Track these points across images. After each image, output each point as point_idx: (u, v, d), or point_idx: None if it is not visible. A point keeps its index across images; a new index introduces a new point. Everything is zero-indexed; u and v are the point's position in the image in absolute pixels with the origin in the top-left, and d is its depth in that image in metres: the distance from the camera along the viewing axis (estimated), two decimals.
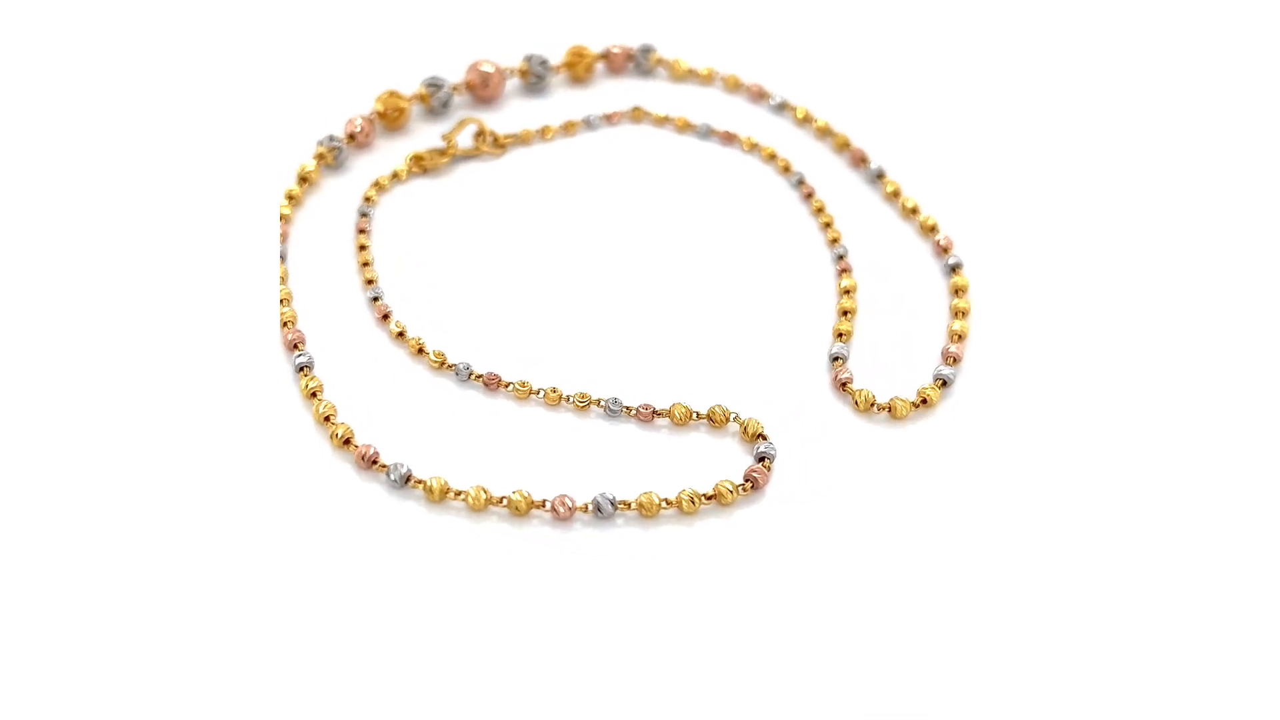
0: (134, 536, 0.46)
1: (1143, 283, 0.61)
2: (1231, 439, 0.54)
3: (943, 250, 0.63)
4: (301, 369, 0.55)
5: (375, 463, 0.52)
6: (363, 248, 0.61)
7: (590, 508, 0.51)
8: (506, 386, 0.55)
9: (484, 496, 0.51)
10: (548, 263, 0.62)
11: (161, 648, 0.45)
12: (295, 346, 0.56)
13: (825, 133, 0.69)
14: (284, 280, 0.59)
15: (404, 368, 0.57)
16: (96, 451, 0.48)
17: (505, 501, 0.51)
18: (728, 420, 0.54)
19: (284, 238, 0.60)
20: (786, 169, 0.67)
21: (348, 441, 0.53)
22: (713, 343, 0.59)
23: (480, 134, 0.67)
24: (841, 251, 0.63)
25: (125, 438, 0.48)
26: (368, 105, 0.67)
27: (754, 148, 0.68)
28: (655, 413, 0.55)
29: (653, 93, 0.72)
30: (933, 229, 0.64)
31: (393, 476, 0.51)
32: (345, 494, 0.51)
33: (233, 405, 0.50)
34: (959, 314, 0.60)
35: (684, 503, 0.51)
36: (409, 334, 0.58)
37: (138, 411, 0.49)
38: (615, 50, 0.72)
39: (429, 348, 0.57)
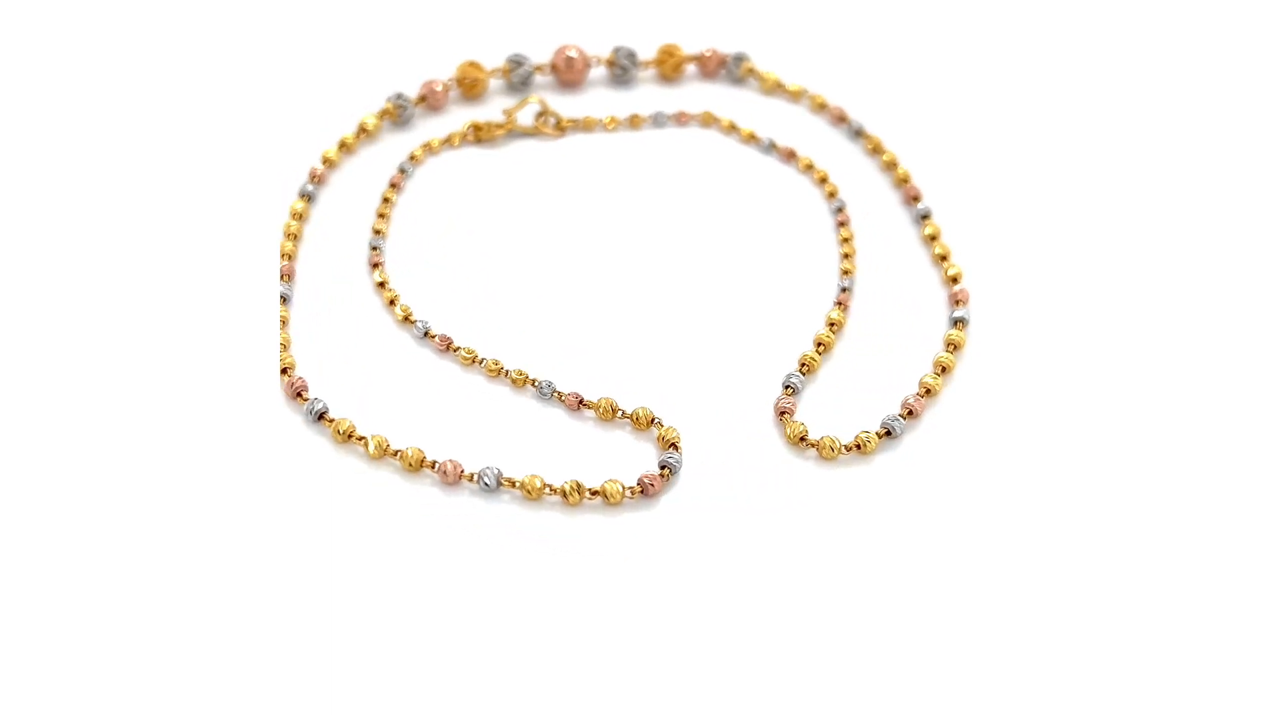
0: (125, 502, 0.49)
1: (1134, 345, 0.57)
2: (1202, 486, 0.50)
3: (955, 302, 0.60)
4: (283, 299, 0.58)
5: (300, 395, 0.54)
6: (386, 200, 0.64)
7: (476, 478, 0.52)
8: (455, 350, 0.57)
9: (384, 447, 0.53)
10: (559, 251, 0.62)
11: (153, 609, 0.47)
12: (286, 277, 0.59)
13: (890, 166, 0.67)
14: (298, 217, 0.62)
15: (372, 316, 0.59)
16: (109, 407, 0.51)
17: (398, 455, 0.52)
18: (650, 424, 0.54)
19: (318, 179, 0.64)
20: (832, 194, 0.66)
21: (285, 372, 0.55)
22: (696, 349, 0.59)
23: (542, 113, 0.69)
24: (846, 284, 0.61)
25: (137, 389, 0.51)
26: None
27: (809, 168, 0.67)
28: (582, 402, 0.55)
29: (739, 101, 0.72)
30: (954, 279, 0.61)
31: (309, 410, 0.54)
32: (282, 434, 0.54)
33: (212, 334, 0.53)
34: (939, 369, 0.57)
35: (569, 493, 0.51)
36: (389, 285, 0.60)
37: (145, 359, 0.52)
38: (708, 54, 0.72)
39: (401, 302, 0.59)
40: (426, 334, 0.57)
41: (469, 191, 0.66)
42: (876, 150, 0.68)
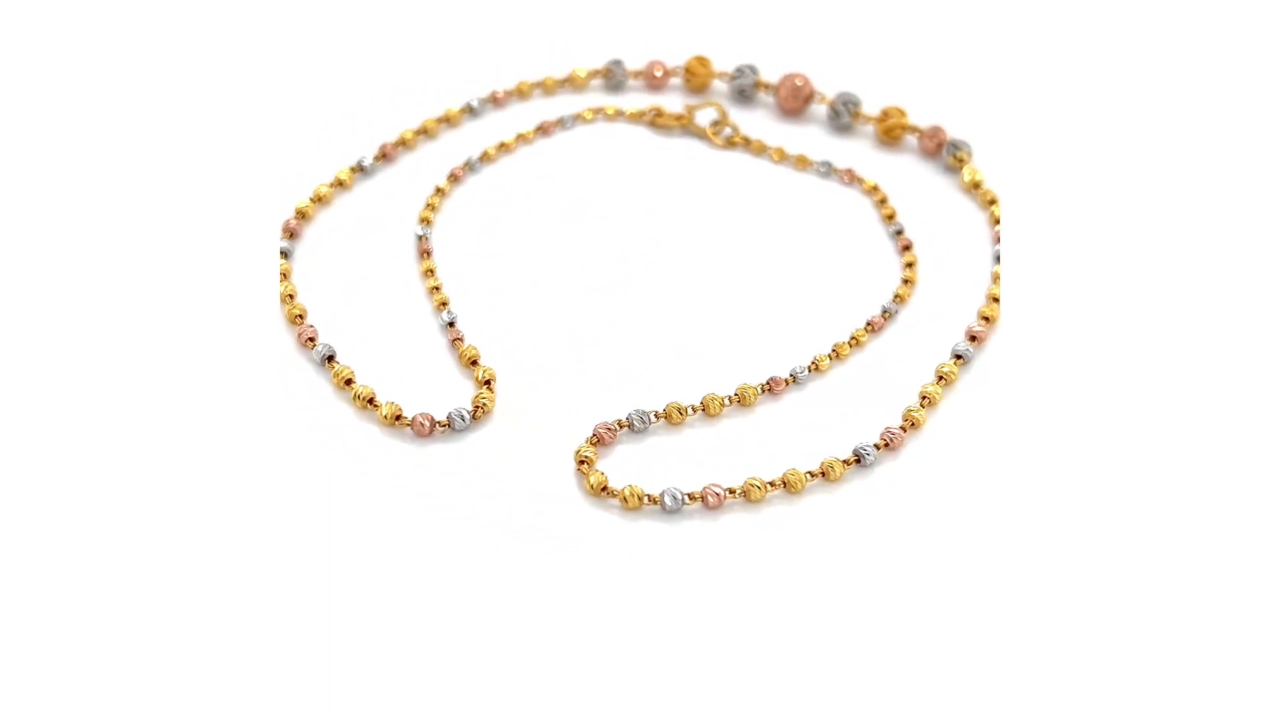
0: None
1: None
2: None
3: (969, 338, 0.57)
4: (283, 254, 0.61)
5: (312, 339, 0.56)
6: (484, 157, 0.67)
7: (445, 422, 0.53)
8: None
9: (367, 395, 0.54)
10: (604, 258, 0.62)
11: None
12: (289, 234, 0.62)
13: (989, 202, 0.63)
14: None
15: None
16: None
17: (380, 408, 0.54)
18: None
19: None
20: (891, 217, 0.64)
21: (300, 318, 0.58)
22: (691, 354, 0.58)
23: (718, 122, 0.69)
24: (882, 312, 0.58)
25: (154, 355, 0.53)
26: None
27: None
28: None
29: (919, 182, 0.67)
30: (987, 319, 0.58)
31: (316, 355, 0.56)
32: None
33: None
34: (924, 401, 0.54)
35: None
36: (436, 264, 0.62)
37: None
38: (931, 131, 0.68)
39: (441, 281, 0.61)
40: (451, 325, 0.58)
41: (572, 175, 0.66)
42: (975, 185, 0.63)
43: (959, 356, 0.57)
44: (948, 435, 0.54)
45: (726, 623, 0.48)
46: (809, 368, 0.56)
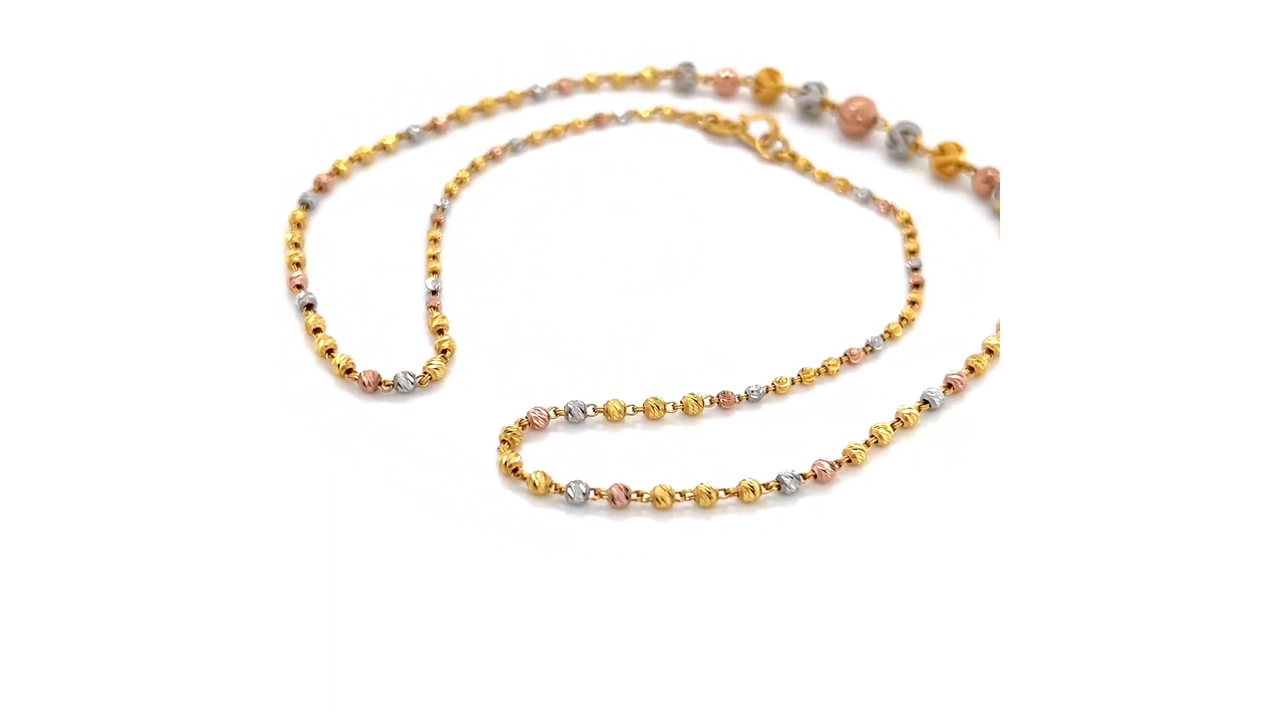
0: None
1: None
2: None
3: (946, 385, 0.55)
4: (303, 204, 0.62)
5: (300, 286, 0.58)
6: (529, 140, 0.67)
7: (390, 383, 0.55)
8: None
9: (328, 345, 0.55)
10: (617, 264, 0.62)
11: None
12: (319, 187, 0.63)
13: None
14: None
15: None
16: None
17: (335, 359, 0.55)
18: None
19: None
20: (913, 253, 0.61)
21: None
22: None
23: (769, 136, 0.68)
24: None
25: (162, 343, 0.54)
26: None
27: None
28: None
29: (956, 212, 0.64)
30: (972, 369, 0.56)
31: (296, 301, 0.57)
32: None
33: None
34: (874, 438, 0.52)
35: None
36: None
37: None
38: (990, 173, 0.65)
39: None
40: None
41: (605, 175, 0.66)
42: None
43: (926, 402, 0.54)
44: (892, 478, 0.52)
45: (612, 616, 0.47)
46: (768, 388, 0.55)
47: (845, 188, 0.65)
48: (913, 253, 0.61)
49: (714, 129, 0.68)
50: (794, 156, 0.66)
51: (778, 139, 0.67)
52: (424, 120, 0.68)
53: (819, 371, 0.56)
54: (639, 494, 0.50)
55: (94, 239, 0.57)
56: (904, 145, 0.66)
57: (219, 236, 0.59)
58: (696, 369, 0.57)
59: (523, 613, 0.48)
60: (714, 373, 0.56)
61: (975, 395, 0.55)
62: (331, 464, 0.52)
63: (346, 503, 0.50)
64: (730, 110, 0.70)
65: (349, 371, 0.55)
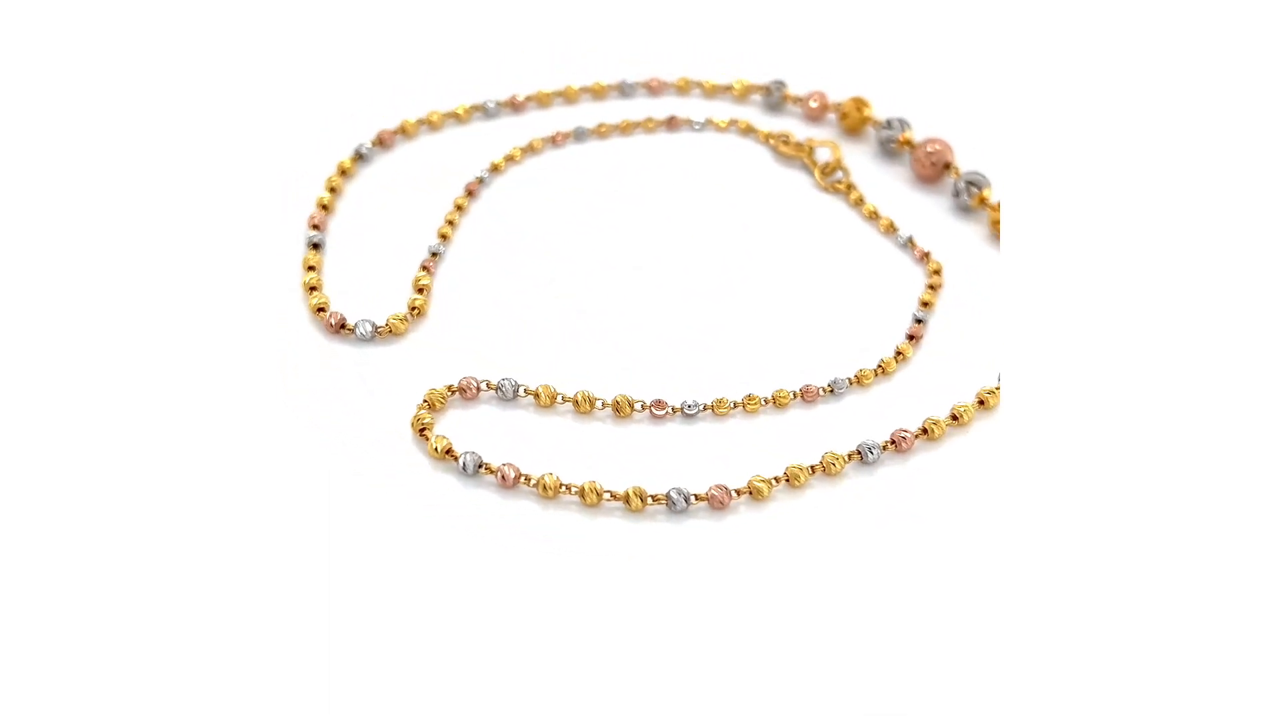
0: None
1: None
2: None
3: (923, 430, 0.53)
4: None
5: (317, 227, 0.60)
6: (596, 131, 0.68)
7: (351, 328, 0.56)
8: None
9: (311, 283, 0.58)
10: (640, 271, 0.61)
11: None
12: (358, 157, 0.68)
13: None
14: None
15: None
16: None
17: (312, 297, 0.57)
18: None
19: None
20: (927, 304, 0.59)
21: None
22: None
23: (830, 165, 0.66)
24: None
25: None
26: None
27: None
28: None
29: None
30: (956, 418, 0.53)
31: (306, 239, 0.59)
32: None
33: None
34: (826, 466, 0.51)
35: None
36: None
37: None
38: None
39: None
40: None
41: (632, 181, 0.65)
42: None
43: (858, 452, 0.51)
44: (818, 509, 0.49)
45: (483, 586, 0.47)
46: (706, 406, 0.53)
47: (889, 229, 0.62)
48: (926, 304, 0.58)
49: (781, 149, 0.66)
50: (850, 188, 0.64)
51: (839, 168, 0.65)
52: (504, 96, 0.69)
53: (768, 400, 0.53)
54: (526, 478, 0.50)
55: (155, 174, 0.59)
56: (968, 197, 0.63)
57: (275, 178, 0.61)
58: (665, 375, 0.56)
59: (405, 573, 0.48)
60: (678, 381, 0.55)
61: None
62: (273, 395, 0.53)
63: (271, 433, 0.52)
64: (816, 134, 0.68)
65: (320, 310, 0.57)
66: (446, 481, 0.51)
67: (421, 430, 0.51)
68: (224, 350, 0.54)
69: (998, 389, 0.53)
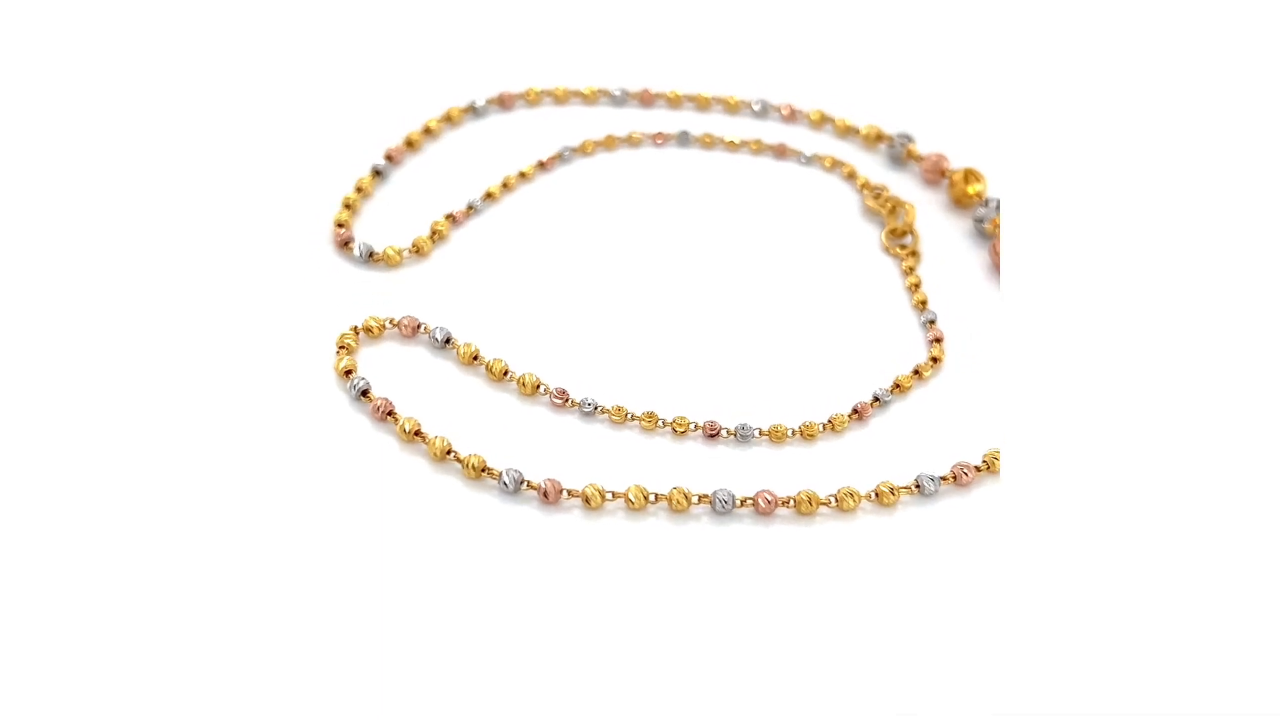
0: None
1: None
2: None
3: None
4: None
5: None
6: (679, 138, 0.68)
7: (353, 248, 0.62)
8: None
9: (339, 220, 0.59)
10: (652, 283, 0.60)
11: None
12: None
13: None
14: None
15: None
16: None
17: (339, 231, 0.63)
18: None
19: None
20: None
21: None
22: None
23: (899, 227, 0.62)
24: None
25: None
26: None
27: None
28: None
29: None
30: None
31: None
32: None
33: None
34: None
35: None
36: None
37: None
38: None
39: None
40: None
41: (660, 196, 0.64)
42: None
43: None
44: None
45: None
46: (601, 408, 0.53)
47: (922, 306, 0.58)
48: (898, 386, 0.54)
49: (867, 200, 0.64)
50: (912, 255, 0.61)
51: (909, 233, 0.61)
52: (636, 88, 0.70)
53: (699, 426, 0.52)
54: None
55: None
56: (984, 228, 0.58)
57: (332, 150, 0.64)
58: (645, 382, 0.55)
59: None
60: (679, 392, 0.55)
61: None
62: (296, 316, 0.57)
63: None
64: (927, 195, 0.65)
65: (340, 225, 0.60)
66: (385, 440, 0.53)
67: (347, 374, 0.53)
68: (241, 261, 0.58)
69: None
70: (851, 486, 0.50)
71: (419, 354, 0.56)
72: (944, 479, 0.51)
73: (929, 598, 0.47)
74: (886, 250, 0.61)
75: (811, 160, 0.66)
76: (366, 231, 0.61)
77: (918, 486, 0.50)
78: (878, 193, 0.63)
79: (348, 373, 0.53)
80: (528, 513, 0.50)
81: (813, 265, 0.61)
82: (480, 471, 0.51)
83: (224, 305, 0.56)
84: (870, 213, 0.63)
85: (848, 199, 0.64)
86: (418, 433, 0.52)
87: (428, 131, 0.65)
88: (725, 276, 0.60)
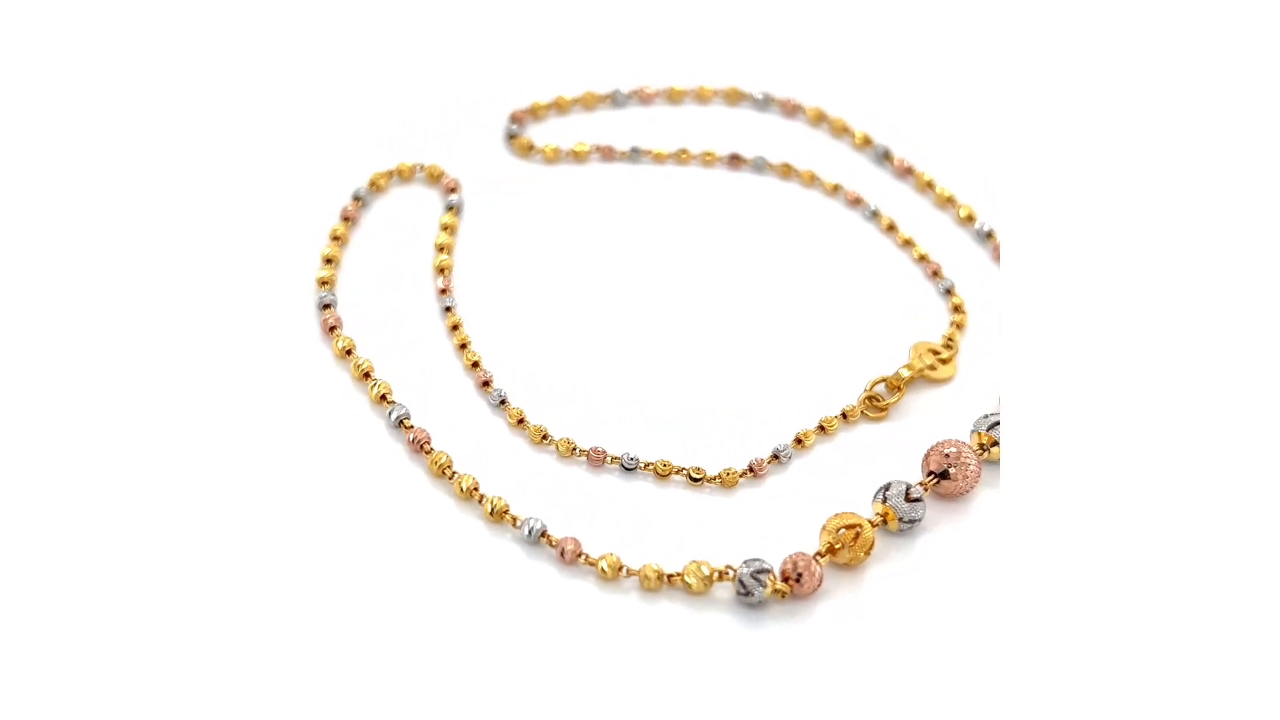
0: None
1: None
2: None
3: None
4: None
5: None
6: (761, 163, 0.67)
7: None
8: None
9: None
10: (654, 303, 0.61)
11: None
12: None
13: None
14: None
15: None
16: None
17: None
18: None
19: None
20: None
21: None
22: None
23: (935, 350, 0.61)
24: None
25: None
26: None
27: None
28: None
29: None
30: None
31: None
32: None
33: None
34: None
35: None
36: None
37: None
38: None
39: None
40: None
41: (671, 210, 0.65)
42: None
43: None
44: None
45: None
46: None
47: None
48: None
49: (925, 371, 0.60)
50: (942, 360, 0.60)
51: (945, 351, 0.60)
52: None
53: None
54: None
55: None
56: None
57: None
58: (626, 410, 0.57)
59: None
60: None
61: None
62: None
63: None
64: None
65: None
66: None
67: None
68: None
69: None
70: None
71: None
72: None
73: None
74: (914, 370, 0.60)
75: (874, 219, 0.66)
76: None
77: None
78: (933, 271, 0.63)
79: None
80: (544, 568, 0.51)
81: (820, 278, 0.62)
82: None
83: (235, 307, 0.57)
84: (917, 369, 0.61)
85: (855, 220, 0.65)
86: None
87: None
88: (731, 289, 0.61)
